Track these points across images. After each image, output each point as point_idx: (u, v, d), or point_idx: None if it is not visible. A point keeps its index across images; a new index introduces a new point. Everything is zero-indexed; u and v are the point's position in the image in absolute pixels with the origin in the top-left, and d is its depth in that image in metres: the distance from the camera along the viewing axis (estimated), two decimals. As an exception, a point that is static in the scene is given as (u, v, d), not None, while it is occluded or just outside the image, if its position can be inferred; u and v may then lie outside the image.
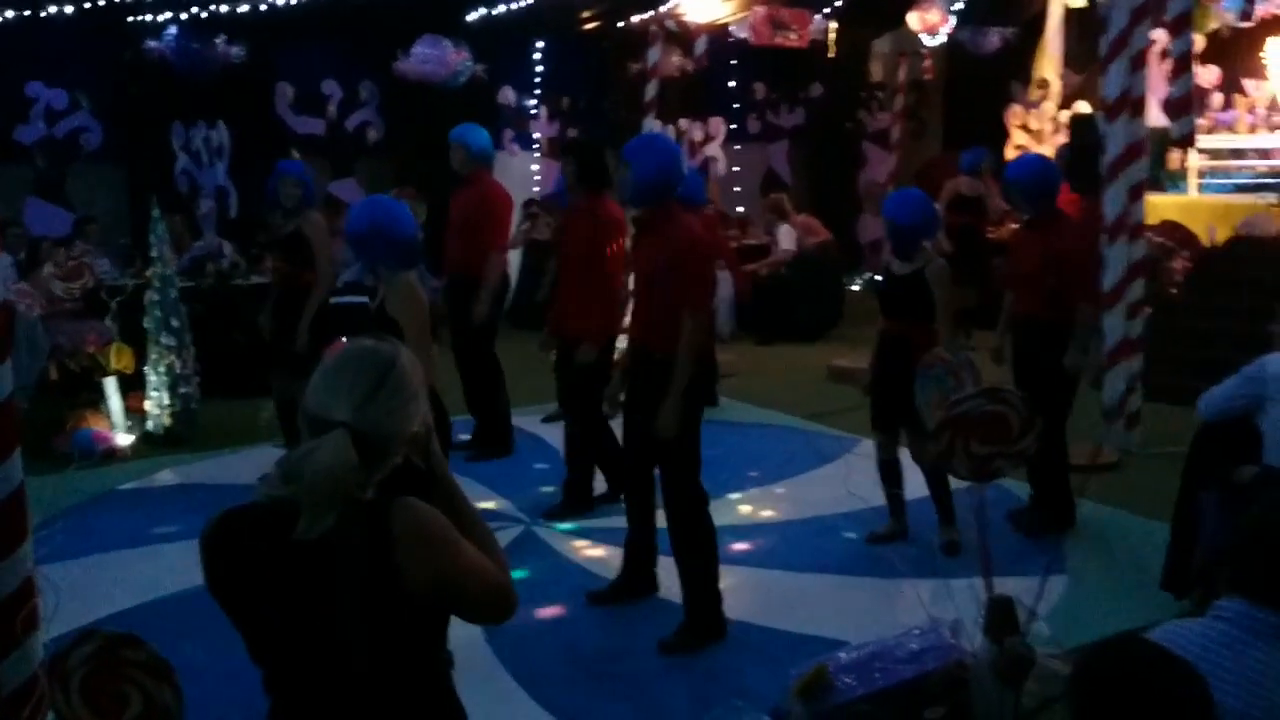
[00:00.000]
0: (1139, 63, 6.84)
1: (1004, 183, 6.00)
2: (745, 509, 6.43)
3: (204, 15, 9.99)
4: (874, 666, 3.58)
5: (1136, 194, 6.94)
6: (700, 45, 11.20)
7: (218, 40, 10.49)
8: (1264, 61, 12.07)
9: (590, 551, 5.78)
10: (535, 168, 12.95)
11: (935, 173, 13.81)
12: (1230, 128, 11.89)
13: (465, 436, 7.30)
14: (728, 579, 5.12)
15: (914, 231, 5.42)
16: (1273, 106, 11.93)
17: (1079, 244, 6.06)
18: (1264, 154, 11.55)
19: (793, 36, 10.96)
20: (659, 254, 4.59)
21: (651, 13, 10.95)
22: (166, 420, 7.80)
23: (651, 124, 10.23)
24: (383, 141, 12.30)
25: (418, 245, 4.38)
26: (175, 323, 7.76)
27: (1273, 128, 11.69)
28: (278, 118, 11.50)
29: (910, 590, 5.20)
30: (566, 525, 6.13)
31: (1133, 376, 7.16)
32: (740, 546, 5.78)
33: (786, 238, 11.32)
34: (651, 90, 10.01)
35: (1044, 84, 13.73)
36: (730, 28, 12.50)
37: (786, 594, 5.24)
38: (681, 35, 11.63)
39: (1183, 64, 7.36)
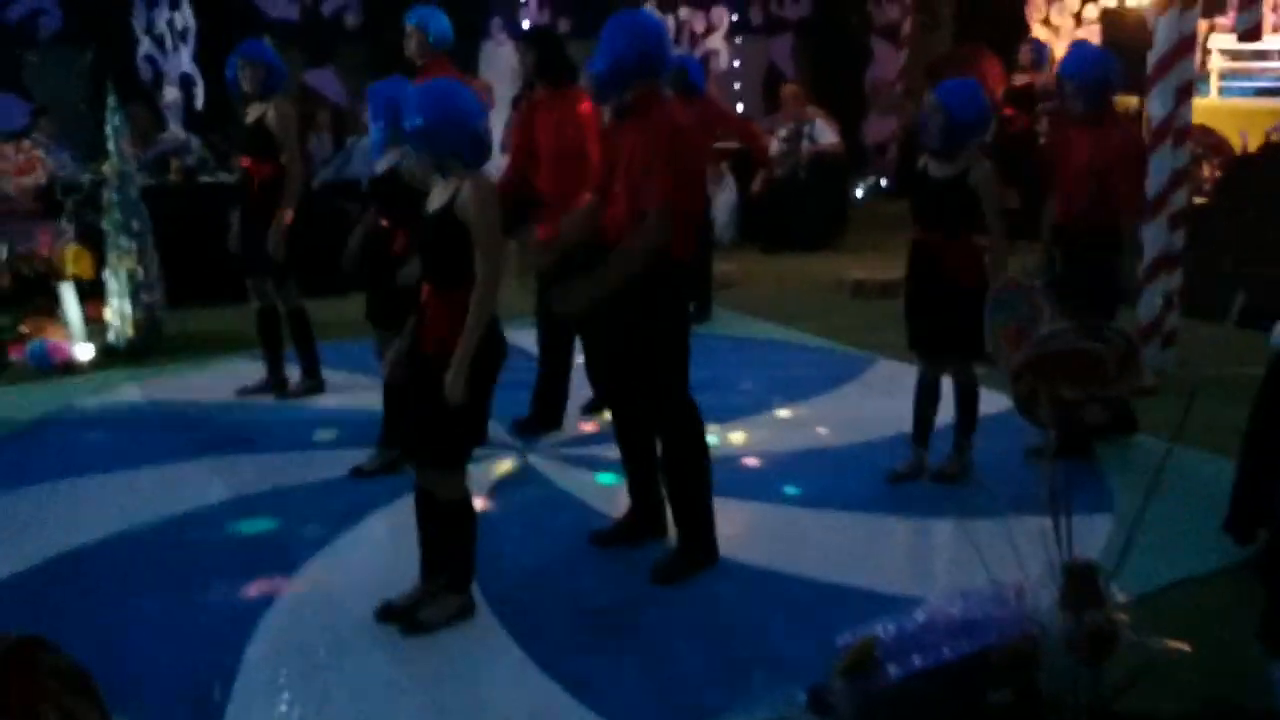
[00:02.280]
0: (1191, -49, 6.21)
1: (1058, 76, 5.41)
2: (750, 434, 5.90)
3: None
4: (926, 639, 3.11)
5: (1184, 95, 6.37)
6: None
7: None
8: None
9: (592, 483, 5.29)
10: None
11: (957, 66, 13.16)
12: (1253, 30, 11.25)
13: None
14: (736, 515, 4.72)
15: (965, 128, 4.83)
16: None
17: (1134, 146, 5.51)
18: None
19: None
20: (640, 142, 4.06)
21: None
22: (128, 330, 7.23)
23: (650, 9, 9.55)
24: (361, 27, 11.55)
25: (489, 136, 3.80)
26: (136, 224, 7.16)
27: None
28: (248, 1, 10.75)
29: (943, 530, 4.82)
30: (571, 451, 5.66)
31: (1170, 292, 6.66)
32: (749, 478, 5.29)
33: (827, 131, 10.66)
34: (651, -26, 9.30)
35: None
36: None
37: (807, 535, 4.75)
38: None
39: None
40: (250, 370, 6.76)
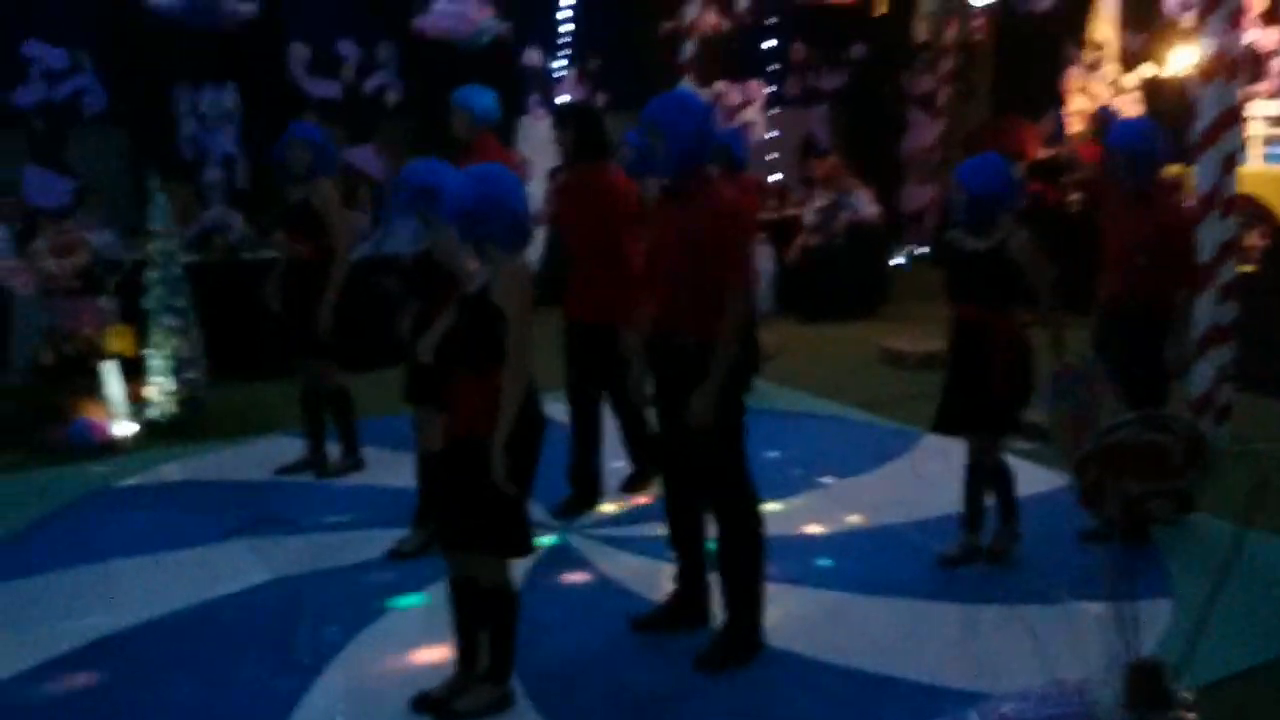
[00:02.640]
0: (1235, 21, 6.16)
1: (1106, 149, 5.32)
2: (794, 514, 5.76)
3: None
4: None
5: (1230, 165, 6.28)
6: (742, 1, 10.49)
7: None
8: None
9: (633, 565, 5.19)
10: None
11: (995, 136, 13.14)
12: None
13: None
14: (780, 600, 4.58)
15: (990, 201, 4.76)
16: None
17: (1185, 219, 5.42)
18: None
19: (843, -9, 10.25)
20: (693, 225, 4.04)
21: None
22: (170, 408, 7.24)
23: (688, 86, 9.58)
24: (403, 105, 11.66)
25: (531, 222, 3.80)
26: (179, 302, 7.20)
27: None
28: (291, 80, 10.87)
29: (997, 617, 4.68)
30: (609, 532, 5.57)
31: (1224, 365, 6.52)
32: (792, 560, 5.14)
33: (866, 201, 10.65)
34: (689, 49, 9.34)
35: (1100, 45, 13.00)
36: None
37: (855, 622, 4.63)
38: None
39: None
40: (291, 448, 6.74)
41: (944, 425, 5.12)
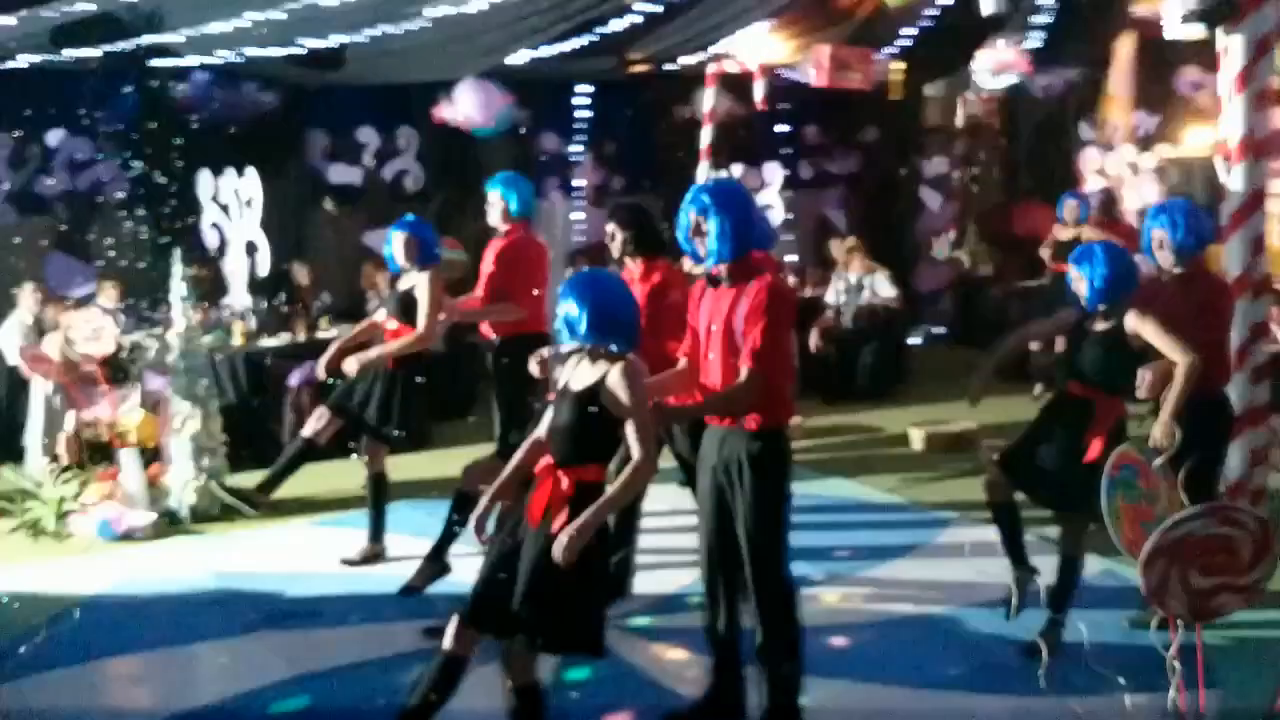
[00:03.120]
0: (1263, 101, 6.14)
1: (1149, 231, 5.28)
2: (830, 603, 5.67)
3: (235, 59, 9.45)
4: None
5: (1259, 246, 6.22)
6: (760, 88, 10.56)
7: (247, 86, 9.96)
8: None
9: (666, 656, 5.07)
10: (579, 216, 12.37)
11: (1010, 217, 13.20)
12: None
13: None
14: (819, 692, 4.44)
15: (1112, 286, 4.76)
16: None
17: (1226, 298, 5.38)
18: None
19: (857, 77, 10.32)
20: (736, 309, 4.04)
21: (703, 55, 10.38)
22: (190, 497, 7.16)
23: (705, 171, 9.62)
24: (422, 190, 11.74)
25: (639, 323, 3.87)
26: (201, 389, 7.16)
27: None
28: (311, 166, 10.97)
29: (1051, 712, 4.54)
30: (638, 622, 5.44)
31: (1258, 448, 6.41)
32: (831, 651, 5.04)
33: (887, 284, 10.64)
34: (707, 136, 9.39)
35: (1113, 126, 13.09)
36: (780, 70, 11.94)
37: (886, 715, 4.51)
38: (740, 77, 11.03)
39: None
40: (313, 536, 6.66)
41: (1009, 466, 5.00)
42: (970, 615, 5.43)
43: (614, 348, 3.76)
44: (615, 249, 5.58)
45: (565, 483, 3.69)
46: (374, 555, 6.44)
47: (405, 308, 6.14)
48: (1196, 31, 6.58)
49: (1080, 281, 4.81)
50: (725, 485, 4.13)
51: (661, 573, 5.92)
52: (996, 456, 5.11)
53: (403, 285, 6.20)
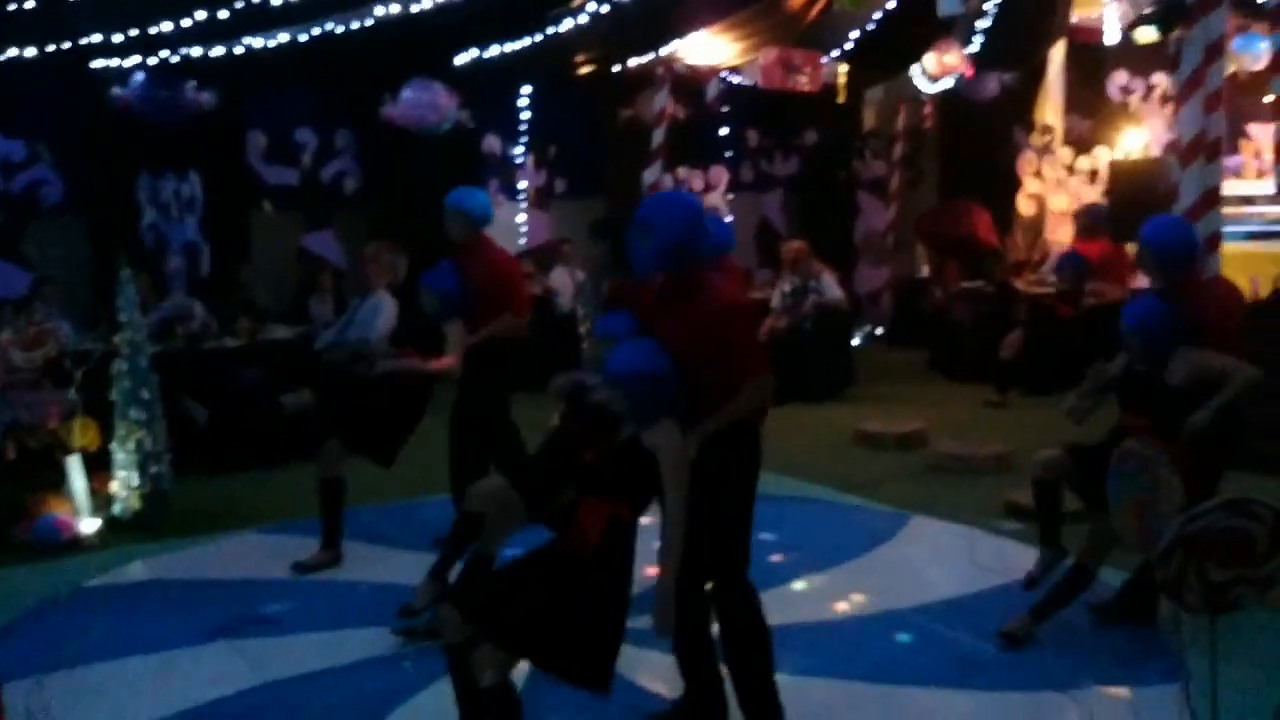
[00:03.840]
0: (1214, 103, 6.28)
1: (1143, 249, 5.23)
2: (796, 602, 5.64)
3: (173, 60, 9.24)
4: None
5: (1213, 245, 6.35)
6: (712, 90, 10.56)
7: (187, 86, 9.75)
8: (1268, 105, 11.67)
9: (636, 658, 5.00)
10: (521, 219, 12.28)
11: (947, 220, 13.33)
12: (1237, 174, 11.48)
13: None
14: (795, 693, 4.38)
15: (1163, 340, 4.75)
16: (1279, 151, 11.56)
17: (1224, 311, 5.41)
18: (1276, 199, 11.15)
19: (804, 80, 10.37)
20: (690, 325, 3.91)
21: (652, 56, 10.35)
22: (135, 503, 6.97)
23: (655, 173, 9.60)
24: (360, 192, 11.59)
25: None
26: (146, 394, 6.97)
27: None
28: (249, 167, 10.77)
29: (1019, 707, 4.57)
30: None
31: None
32: (802, 651, 4.97)
33: (833, 286, 10.69)
34: (658, 137, 9.36)
35: (1048, 129, 13.30)
36: (722, 72, 11.97)
37: (876, 715, 4.50)
38: (690, 79, 11.02)
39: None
40: (263, 544, 6.52)
41: (1075, 456, 4.90)
42: (938, 611, 5.44)
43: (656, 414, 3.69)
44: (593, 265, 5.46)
45: (596, 512, 3.64)
46: (330, 560, 6.31)
47: None
48: (1149, 35, 6.70)
49: (1133, 339, 4.77)
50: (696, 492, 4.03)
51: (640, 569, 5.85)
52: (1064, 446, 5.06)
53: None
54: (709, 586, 4.20)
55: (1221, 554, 2.58)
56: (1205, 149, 6.26)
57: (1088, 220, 9.89)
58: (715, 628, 4.26)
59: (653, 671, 4.80)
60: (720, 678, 4.35)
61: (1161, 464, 2.80)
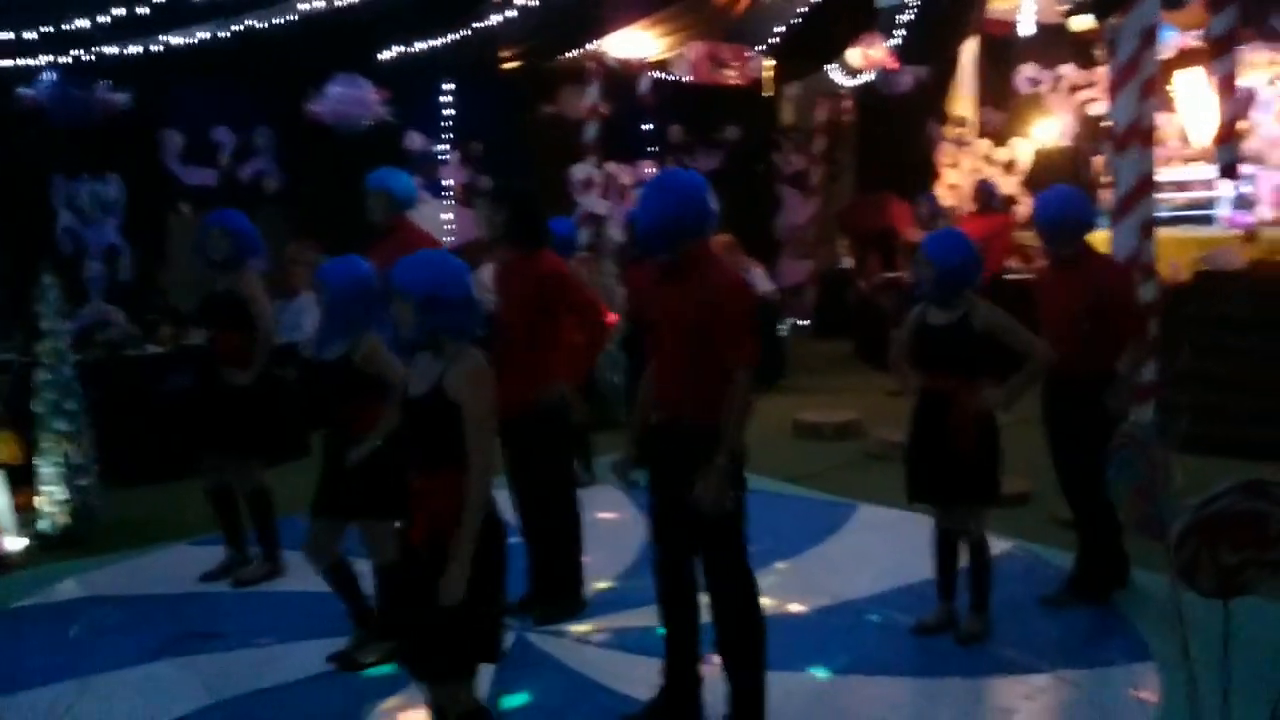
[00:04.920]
0: (1148, 90, 6.37)
1: (1035, 219, 5.37)
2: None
3: (85, 59, 8.90)
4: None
5: (1148, 231, 6.44)
6: (644, 84, 10.48)
7: (99, 86, 9.41)
8: (1171, 95, 11.94)
9: (605, 660, 4.93)
10: (447, 216, 12.08)
11: (867, 212, 13.45)
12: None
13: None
14: (769, 686, 4.36)
15: (957, 275, 4.78)
16: (1183, 139, 11.82)
17: (1124, 278, 5.51)
18: (1180, 186, 11.42)
19: (732, 74, 10.35)
20: (688, 304, 3.90)
21: (578, 51, 10.24)
22: (63, 519, 6.70)
23: (588, 168, 9.49)
24: (281, 191, 11.29)
25: (483, 309, 3.53)
26: (70, 405, 6.70)
27: (1185, 160, 11.56)
28: (165, 168, 10.43)
29: (990, 690, 4.59)
30: (580, 629, 5.29)
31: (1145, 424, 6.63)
32: (769, 644, 4.96)
33: (763, 279, 10.69)
34: (590, 132, 9.26)
35: (962, 122, 13.49)
36: (651, 68, 11.92)
37: (852, 706, 4.48)
38: (621, 74, 10.92)
39: (1227, 87, 6.93)
40: (197, 557, 6.31)
41: (918, 495, 5.04)
42: (893, 598, 5.47)
43: (454, 338, 3.42)
44: (490, 230, 5.35)
45: (428, 493, 3.40)
46: (271, 572, 6.13)
47: (223, 310, 5.95)
48: (1085, 22, 6.78)
49: (935, 268, 4.80)
50: (681, 483, 3.98)
51: (600, 574, 5.80)
52: (908, 495, 5.11)
53: (220, 286, 5.98)
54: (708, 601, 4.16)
55: (1234, 537, 2.58)
56: (1140, 135, 6.34)
57: (981, 196, 10.32)
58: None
59: (626, 673, 4.73)
60: (700, 678, 4.30)
61: (1155, 449, 2.80)
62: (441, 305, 3.36)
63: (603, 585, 5.77)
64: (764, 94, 13.34)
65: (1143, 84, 6.28)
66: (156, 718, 4.47)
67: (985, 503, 4.97)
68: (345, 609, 5.04)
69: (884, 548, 6.19)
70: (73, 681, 4.85)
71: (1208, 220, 10.61)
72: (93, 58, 8.96)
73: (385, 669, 4.83)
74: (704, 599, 4.18)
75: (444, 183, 12.09)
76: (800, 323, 14.16)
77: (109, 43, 8.47)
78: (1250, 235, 9.18)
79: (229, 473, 6.04)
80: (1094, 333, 5.16)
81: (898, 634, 5.11)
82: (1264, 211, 10.26)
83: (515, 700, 4.56)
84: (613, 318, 7.15)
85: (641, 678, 4.56)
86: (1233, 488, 2.57)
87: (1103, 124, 11.12)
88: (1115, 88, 6.32)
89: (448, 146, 12.16)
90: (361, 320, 4.64)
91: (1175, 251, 9.57)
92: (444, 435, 3.34)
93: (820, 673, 4.76)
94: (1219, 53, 7.84)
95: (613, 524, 6.70)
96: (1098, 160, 11.68)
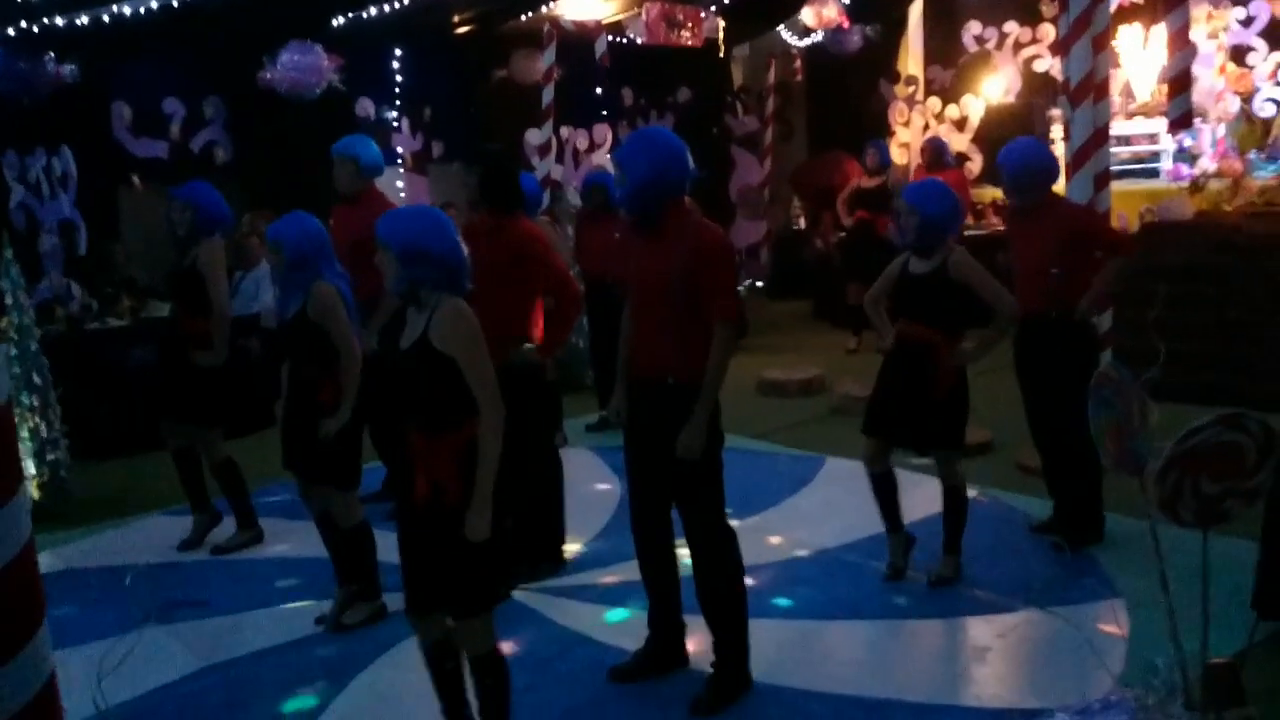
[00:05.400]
0: (1101, 44, 6.51)
1: (1000, 170, 5.50)
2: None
3: (31, 31, 8.76)
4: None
5: (1103, 182, 6.58)
6: (600, 47, 10.47)
7: (47, 58, 9.27)
8: (1116, 50, 12.11)
9: (588, 614, 5.02)
10: (400, 184, 12.04)
11: (821, 171, 13.54)
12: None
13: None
14: (753, 635, 4.48)
15: (938, 223, 4.90)
16: (1126, 93, 12.00)
17: (1091, 213, 5.74)
18: (1124, 140, 11.60)
19: (687, 35, 10.37)
20: (671, 261, 3.97)
21: (530, 15, 10.21)
22: (34, 493, 6.67)
23: (545, 133, 9.49)
24: (232, 162, 11.19)
25: (467, 262, 3.56)
26: (38, 379, 6.67)
27: (1128, 115, 11.74)
28: (115, 140, 10.30)
29: (965, 629, 4.74)
30: (562, 584, 5.38)
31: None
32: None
33: None
34: (547, 96, 9.26)
35: (911, 80, 13.59)
36: (603, 31, 11.88)
37: (833, 650, 4.63)
38: (576, 37, 10.89)
39: (1180, 40, 7.06)
40: (175, 525, 6.33)
41: (875, 429, 5.14)
42: (865, 546, 5.63)
43: (438, 290, 3.46)
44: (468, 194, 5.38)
45: (431, 451, 3.44)
46: (251, 540, 6.16)
47: (188, 284, 5.92)
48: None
49: (916, 218, 4.91)
50: (660, 439, 4.06)
51: (576, 534, 5.87)
52: (863, 427, 5.23)
53: (186, 260, 5.94)
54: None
55: (1214, 468, 2.71)
56: (1094, 89, 6.47)
57: (931, 153, 10.48)
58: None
59: (614, 626, 4.83)
60: (683, 627, 4.41)
61: (1130, 385, 2.92)
62: (424, 258, 3.40)
63: (581, 543, 5.86)
64: (718, 56, 13.35)
65: (1095, 37, 6.40)
66: (142, 685, 4.49)
67: (954, 449, 5.11)
68: (330, 570, 5.10)
69: (853, 499, 6.27)
70: (55, 654, 4.84)
71: (1154, 174, 10.80)
72: (38, 30, 8.82)
73: (374, 628, 4.90)
74: (683, 551, 4.28)
75: (396, 150, 12.04)
76: (756, 283, 14.27)
77: (55, 14, 8.33)
78: (1198, 187, 9.37)
79: (184, 436, 6.04)
80: (1067, 273, 5.30)
81: (872, 579, 5.25)
82: (1206, 164, 10.47)
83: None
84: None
85: (625, 630, 4.69)
86: (1212, 421, 2.69)
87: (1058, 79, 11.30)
88: (1068, 42, 6.42)
89: (398, 113, 12.11)
90: (315, 272, 4.70)
91: (1123, 204, 9.76)
92: (435, 390, 3.40)
93: (800, 618, 4.89)
94: (1172, 6, 7.97)
95: (586, 484, 6.78)
96: (1051, 114, 11.84)
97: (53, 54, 9.33)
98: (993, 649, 4.52)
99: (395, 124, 12.09)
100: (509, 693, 3.65)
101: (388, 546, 5.00)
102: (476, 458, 3.36)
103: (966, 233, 10.31)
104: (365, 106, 11.75)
